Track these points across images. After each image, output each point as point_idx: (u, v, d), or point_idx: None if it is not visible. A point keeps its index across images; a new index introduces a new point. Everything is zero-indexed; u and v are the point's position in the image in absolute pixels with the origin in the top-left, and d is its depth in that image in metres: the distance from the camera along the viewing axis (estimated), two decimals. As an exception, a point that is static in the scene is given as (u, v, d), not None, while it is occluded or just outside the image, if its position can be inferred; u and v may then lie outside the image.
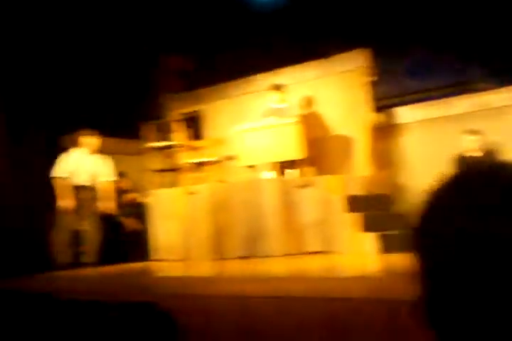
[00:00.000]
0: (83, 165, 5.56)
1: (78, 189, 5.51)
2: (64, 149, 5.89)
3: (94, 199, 5.56)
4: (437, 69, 7.23)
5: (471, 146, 5.61)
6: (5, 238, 5.31)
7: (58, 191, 5.43)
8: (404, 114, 6.58)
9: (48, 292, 4.23)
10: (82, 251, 5.54)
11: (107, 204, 5.59)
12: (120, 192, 6.39)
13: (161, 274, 4.62)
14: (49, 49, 6.27)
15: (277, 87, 6.55)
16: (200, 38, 8.28)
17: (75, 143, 5.61)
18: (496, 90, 6.16)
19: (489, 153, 5.56)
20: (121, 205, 6.32)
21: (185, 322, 3.47)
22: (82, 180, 5.54)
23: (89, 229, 5.51)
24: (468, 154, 5.59)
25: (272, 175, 6.06)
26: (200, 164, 7.14)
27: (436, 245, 0.60)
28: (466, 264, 0.56)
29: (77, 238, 5.55)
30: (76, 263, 5.44)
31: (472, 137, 5.62)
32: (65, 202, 5.40)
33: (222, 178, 7.31)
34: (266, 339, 3.21)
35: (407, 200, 6.36)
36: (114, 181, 5.78)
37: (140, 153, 7.53)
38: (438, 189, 0.63)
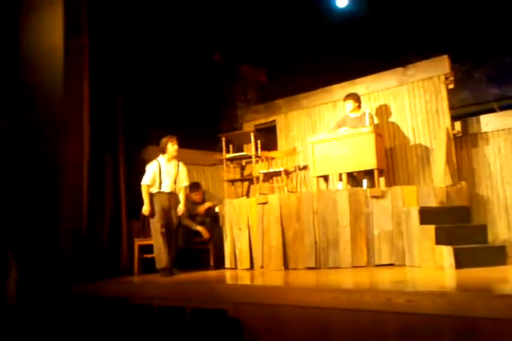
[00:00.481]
0: (167, 171, 5.78)
1: (164, 195, 5.71)
2: (143, 160, 6.15)
3: (176, 205, 5.74)
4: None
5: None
6: (83, 244, 5.61)
7: (144, 198, 5.68)
8: (485, 122, 6.30)
9: (123, 297, 4.43)
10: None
11: (178, 207, 5.76)
12: (194, 203, 6.56)
13: (231, 282, 4.70)
14: (126, 64, 6.56)
15: (353, 97, 6.51)
16: (275, 49, 8.39)
17: (162, 151, 5.82)
18: None
19: None
20: (194, 215, 6.48)
21: (253, 330, 3.53)
22: (166, 186, 5.75)
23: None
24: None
25: (344, 185, 6.01)
26: (273, 174, 7.20)
27: None
28: None
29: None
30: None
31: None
32: (145, 208, 5.65)
33: (294, 188, 7.34)
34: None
35: (488, 213, 6.08)
36: (187, 188, 5.95)
37: (214, 163, 7.72)
38: None
